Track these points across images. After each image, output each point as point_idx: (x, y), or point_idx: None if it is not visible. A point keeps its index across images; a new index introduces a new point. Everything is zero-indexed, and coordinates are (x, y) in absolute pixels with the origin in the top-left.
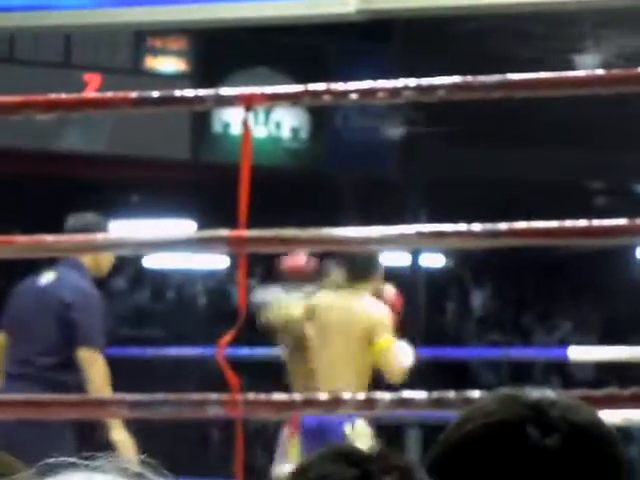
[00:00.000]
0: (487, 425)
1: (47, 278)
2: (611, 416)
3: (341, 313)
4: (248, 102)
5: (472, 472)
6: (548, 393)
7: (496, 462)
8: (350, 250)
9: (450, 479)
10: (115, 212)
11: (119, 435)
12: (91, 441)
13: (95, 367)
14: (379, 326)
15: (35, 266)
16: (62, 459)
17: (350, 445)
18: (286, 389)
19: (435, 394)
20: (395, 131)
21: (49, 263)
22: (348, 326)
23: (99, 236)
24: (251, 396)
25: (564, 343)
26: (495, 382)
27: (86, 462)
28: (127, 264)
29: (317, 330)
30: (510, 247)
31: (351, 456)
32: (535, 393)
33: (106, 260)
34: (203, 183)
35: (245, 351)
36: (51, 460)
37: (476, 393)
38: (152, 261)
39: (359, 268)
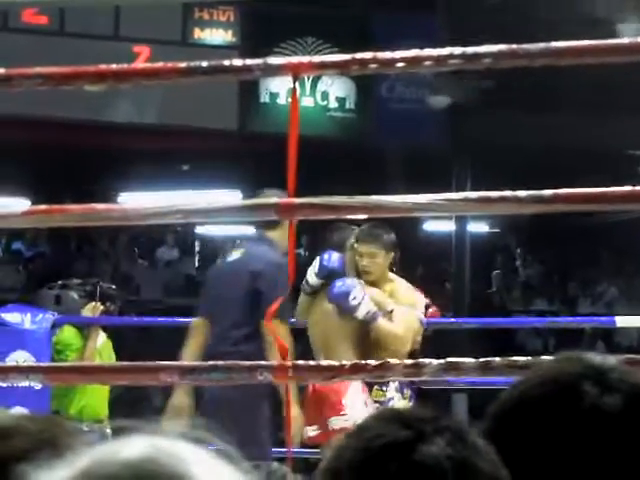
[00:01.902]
0: (543, 384)
1: (236, 255)
2: None
3: None
4: (296, 71)
5: (529, 430)
6: (608, 358)
7: (552, 421)
8: (398, 216)
9: (508, 437)
10: (164, 182)
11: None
12: (151, 406)
13: (279, 341)
14: None
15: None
16: (125, 423)
17: (405, 408)
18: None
19: (482, 359)
20: (441, 100)
21: (233, 245)
22: None
23: (149, 204)
24: (301, 362)
25: (610, 309)
26: (541, 351)
27: (149, 426)
28: (175, 232)
29: None
30: (555, 213)
31: (405, 417)
32: (595, 356)
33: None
34: (250, 153)
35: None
36: (113, 424)
37: (523, 359)
38: (201, 228)
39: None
